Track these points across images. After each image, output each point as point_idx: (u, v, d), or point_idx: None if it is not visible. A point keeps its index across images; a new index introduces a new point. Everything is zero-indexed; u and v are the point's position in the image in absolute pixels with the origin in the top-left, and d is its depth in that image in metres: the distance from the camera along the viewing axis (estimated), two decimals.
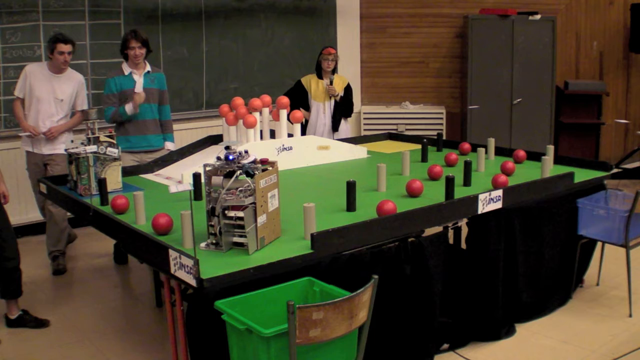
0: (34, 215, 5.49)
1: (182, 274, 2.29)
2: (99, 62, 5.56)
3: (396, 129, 6.94)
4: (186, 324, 2.45)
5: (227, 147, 2.54)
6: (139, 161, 4.47)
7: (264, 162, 2.57)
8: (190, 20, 6.06)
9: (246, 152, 2.56)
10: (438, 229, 3.07)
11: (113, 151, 3.54)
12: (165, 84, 4.71)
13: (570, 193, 3.69)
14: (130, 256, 4.79)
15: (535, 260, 3.57)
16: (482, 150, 4.04)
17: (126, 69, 4.52)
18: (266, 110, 4.26)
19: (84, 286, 4.36)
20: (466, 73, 6.88)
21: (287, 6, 6.66)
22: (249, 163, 2.51)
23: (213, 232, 2.53)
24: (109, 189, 3.40)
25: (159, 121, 4.68)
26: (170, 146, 4.74)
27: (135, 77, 4.51)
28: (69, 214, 4.19)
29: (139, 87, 4.49)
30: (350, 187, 3.07)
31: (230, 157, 2.50)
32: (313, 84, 5.34)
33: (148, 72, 4.58)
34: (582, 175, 3.84)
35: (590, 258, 4.06)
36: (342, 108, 5.35)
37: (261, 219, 2.51)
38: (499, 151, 4.43)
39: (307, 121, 5.33)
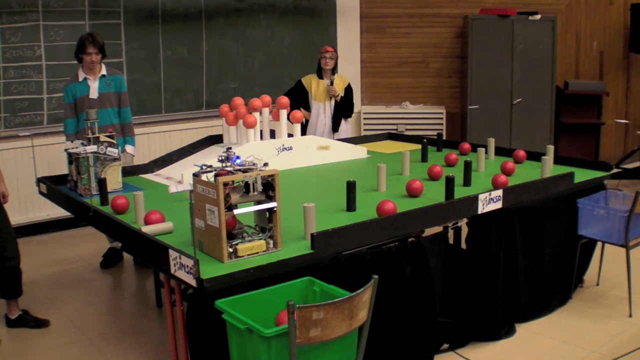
0: (34, 215, 5.50)
1: (182, 274, 2.29)
2: None
3: (396, 129, 6.94)
4: (186, 324, 2.45)
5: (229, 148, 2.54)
6: None
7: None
8: (190, 20, 6.06)
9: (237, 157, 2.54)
10: (438, 229, 3.07)
11: (113, 151, 3.54)
12: (124, 85, 4.56)
13: (570, 193, 3.69)
14: (126, 258, 4.83)
15: (535, 260, 3.57)
16: (482, 150, 4.04)
17: (81, 74, 4.39)
18: (266, 110, 4.26)
19: (84, 286, 4.36)
20: (466, 73, 6.88)
21: (287, 6, 6.66)
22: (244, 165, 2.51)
23: None
24: (109, 189, 3.40)
25: (118, 125, 4.53)
26: (130, 150, 4.60)
27: (90, 82, 4.39)
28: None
29: (93, 93, 4.38)
30: (350, 187, 3.06)
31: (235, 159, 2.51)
32: (313, 84, 5.34)
33: (103, 75, 4.44)
34: (582, 175, 3.84)
35: (590, 258, 4.06)
36: (343, 108, 5.35)
37: (199, 223, 2.47)
38: (499, 151, 4.43)
39: (307, 121, 5.33)
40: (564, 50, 7.24)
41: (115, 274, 4.64)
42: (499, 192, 3.24)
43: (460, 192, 3.32)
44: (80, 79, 4.40)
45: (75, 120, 4.43)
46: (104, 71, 4.46)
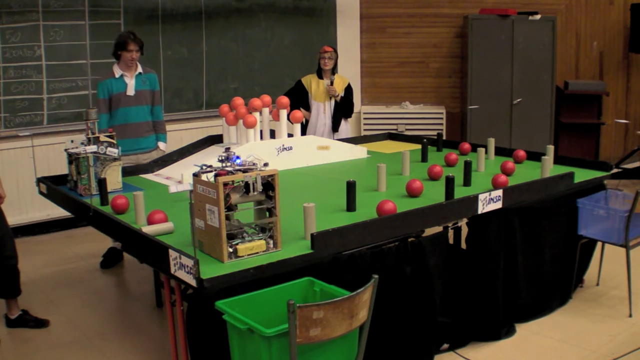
0: (34, 215, 5.50)
1: (182, 274, 2.29)
2: (99, 62, 5.56)
3: (396, 129, 6.94)
4: (186, 324, 2.45)
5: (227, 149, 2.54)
6: (133, 162, 4.43)
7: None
8: (190, 20, 6.06)
9: (237, 157, 2.54)
10: (438, 229, 3.07)
11: (113, 151, 3.54)
12: (157, 84, 4.65)
13: (570, 193, 3.69)
14: (126, 258, 4.83)
15: (535, 260, 3.57)
16: (482, 150, 4.04)
17: (117, 71, 4.44)
18: (266, 110, 4.26)
19: (84, 286, 4.36)
20: (466, 73, 6.88)
21: (287, 6, 6.66)
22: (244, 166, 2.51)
23: None
24: (109, 189, 3.40)
25: (151, 122, 4.63)
26: (162, 146, 4.71)
27: (127, 79, 4.44)
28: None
29: (130, 90, 4.44)
30: (350, 187, 3.06)
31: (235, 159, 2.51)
32: (313, 84, 5.34)
33: (140, 73, 4.51)
34: (582, 175, 3.84)
35: (590, 258, 4.06)
36: (343, 108, 5.35)
37: (199, 223, 2.48)
38: (499, 151, 4.43)
39: (307, 121, 5.33)
40: (564, 50, 7.24)
41: (115, 274, 4.64)
42: (499, 192, 3.24)
43: (460, 192, 3.32)
44: (117, 76, 4.44)
45: (108, 116, 4.47)
46: (140, 69, 4.52)
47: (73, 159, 3.55)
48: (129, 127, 4.49)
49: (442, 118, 7.06)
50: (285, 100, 4.28)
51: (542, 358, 3.25)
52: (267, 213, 2.53)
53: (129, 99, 4.45)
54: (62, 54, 5.37)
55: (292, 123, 4.33)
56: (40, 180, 3.79)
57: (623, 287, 3.94)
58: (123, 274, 4.65)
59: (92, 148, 3.46)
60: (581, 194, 3.74)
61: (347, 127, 5.45)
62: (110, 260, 4.75)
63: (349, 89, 5.40)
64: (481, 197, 3.16)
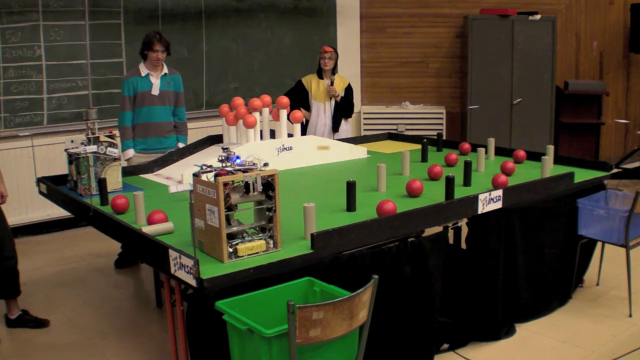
0: (34, 215, 5.51)
1: (182, 274, 2.29)
2: (99, 62, 5.57)
3: (396, 129, 6.94)
4: (186, 324, 2.45)
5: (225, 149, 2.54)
6: None
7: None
8: (190, 20, 6.06)
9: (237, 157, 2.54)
10: (438, 229, 3.07)
11: (113, 151, 3.53)
12: (181, 85, 4.69)
13: (570, 193, 3.69)
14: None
15: (535, 260, 3.57)
16: (482, 150, 4.04)
17: (143, 70, 4.48)
18: (266, 110, 4.26)
19: (84, 286, 4.36)
20: (466, 73, 6.88)
21: (287, 6, 6.66)
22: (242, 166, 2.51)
23: None
24: (109, 189, 3.40)
25: (172, 123, 4.68)
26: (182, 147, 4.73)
27: (152, 79, 4.48)
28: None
29: (155, 90, 4.48)
30: (350, 187, 3.06)
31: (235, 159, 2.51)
32: (314, 84, 5.34)
33: (165, 74, 4.55)
34: (582, 175, 3.84)
35: (590, 258, 4.06)
36: (343, 108, 5.35)
37: (199, 223, 2.48)
38: (499, 151, 4.43)
39: (307, 121, 5.34)
40: (564, 50, 7.24)
41: (116, 274, 4.64)
42: (499, 192, 3.24)
43: (460, 192, 3.32)
44: (143, 74, 4.47)
45: (132, 113, 4.50)
46: (165, 70, 4.56)
47: (73, 159, 3.55)
48: (152, 126, 4.54)
49: (442, 118, 7.06)
50: (285, 100, 4.28)
51: (542, 358, 3.25)
52: (267, 213, 2.53)
53: (153, 98, 4.49)
54: (62, 54, 5.37)
55: (292, 123, 4.33)
56: (40, 180, 3.79)
57: (623, 287, 3.94)
58: (123, 274, 4.64)
59: (92, 148, 3.46)
60: (581, 194, 3.74)
61: (347, 127, 5.45)
62: (126, 260, 4.72)
63: (349, 89, 5.40)
64: (481, 197, 3.15)
